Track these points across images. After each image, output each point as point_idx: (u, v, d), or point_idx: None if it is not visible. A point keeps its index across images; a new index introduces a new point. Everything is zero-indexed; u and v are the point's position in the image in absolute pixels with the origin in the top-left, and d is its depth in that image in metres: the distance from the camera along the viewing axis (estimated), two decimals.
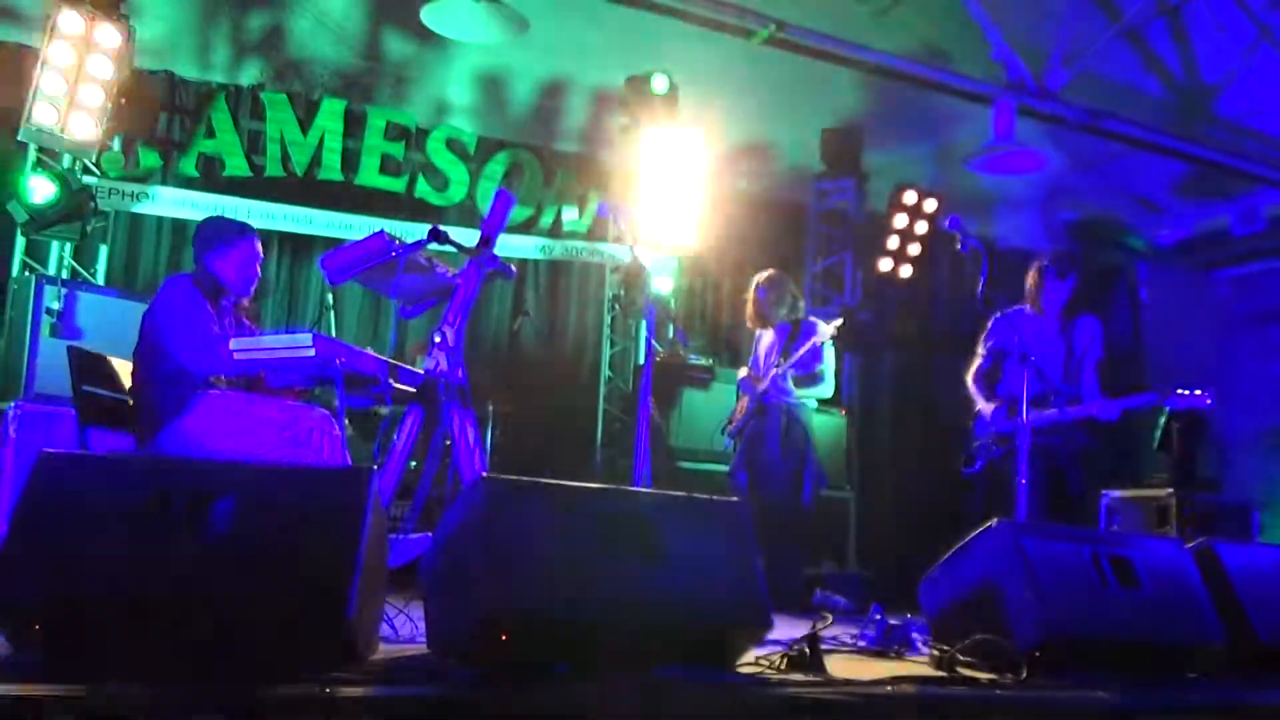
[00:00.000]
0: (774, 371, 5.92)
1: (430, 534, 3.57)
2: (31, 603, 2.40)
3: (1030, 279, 5.43)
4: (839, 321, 5.99)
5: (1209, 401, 4.92)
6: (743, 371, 6.26)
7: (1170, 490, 6.96)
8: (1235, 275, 9.96)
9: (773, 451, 5.86)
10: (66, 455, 2.61)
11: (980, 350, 5.55)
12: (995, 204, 9.16)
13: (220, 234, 4.20)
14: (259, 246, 4.28)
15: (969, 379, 5.59)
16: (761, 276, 6.23)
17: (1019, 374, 4.76)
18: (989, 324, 5.47)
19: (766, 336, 6.19)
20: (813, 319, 6.15)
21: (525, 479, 2.83)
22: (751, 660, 2.94)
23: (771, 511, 5.83)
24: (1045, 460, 5.10)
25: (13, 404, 5.44)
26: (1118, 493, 7.29)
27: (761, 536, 3.04)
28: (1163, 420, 7.27)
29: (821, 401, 6.33)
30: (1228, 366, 9.37)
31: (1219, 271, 10.03)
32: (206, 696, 2.07)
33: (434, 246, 4.08)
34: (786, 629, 3.12)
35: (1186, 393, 4.96)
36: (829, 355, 6.00)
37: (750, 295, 6.22)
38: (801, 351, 5.86)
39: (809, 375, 5.94)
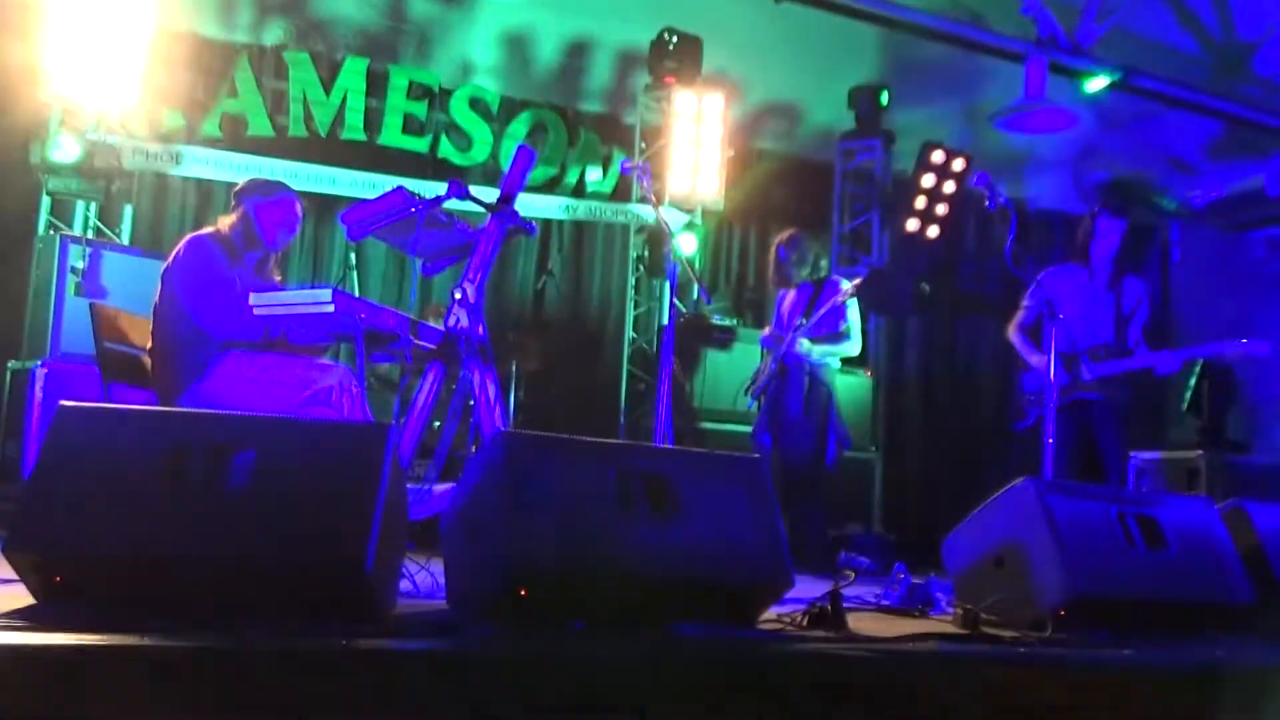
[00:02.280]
0: (796, 331, 5.88)
1: (455, 484, 3.57)
2: (52, 554, 2.40)
3: (1081, 230, 5.37)
4: (859, 279, 5.94)
5: (1268, 350, 4.93)
6: (766, 331, 6.23)
7: (1200, 452, 6.88)
8: (1270, 236, 9.80)
9: (795, 412, 5.82)
10: (86, 408, 2.60)
11: (1025, 303, 5.46)
12: (1024, 164, 9.05)
13: (267, 186, 4.27)
14: (299, 208, 4.31)
15: (1011, 332, 5.53)
16: (782, 236, 6.18)
17: (1064, 330, 4.72)
18: (1038, 276, 5.30)
19: (789, 296, 6.14)
20: (835, 277, 6.10)
21: (545, 434, 2.81)
22: (772, 618, 2.92)
23: (795, 472, 5.81)
24: (1087, 415, 5.11)
25: (39, 362, 5.47)
26: (1147, 454, 7.22)
27: (785, 497, 3.04)
28: (1193, 381, 7.19)
29: (847, 362, 6.27)
30: (1260, 328, 9.20)
31: (1253, 232, 9.87)
32: (224, 649, 2.07)
33: (454, 203, 4.06)
34: (809, 588, 3.10)
35: (1244, 341, 4.96)
36: (853, 313, 5.94)
37: (771, 255, 6.17)
38: (821, 311, 5.81)
39: (833, 334, 5.88)
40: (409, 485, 3.46)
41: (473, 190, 4.11)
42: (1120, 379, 5.21)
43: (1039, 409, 5.30)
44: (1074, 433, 5.18)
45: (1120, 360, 5.20)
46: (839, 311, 5.85)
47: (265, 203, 4.15)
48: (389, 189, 4.09)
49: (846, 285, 5.90)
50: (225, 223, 4.18)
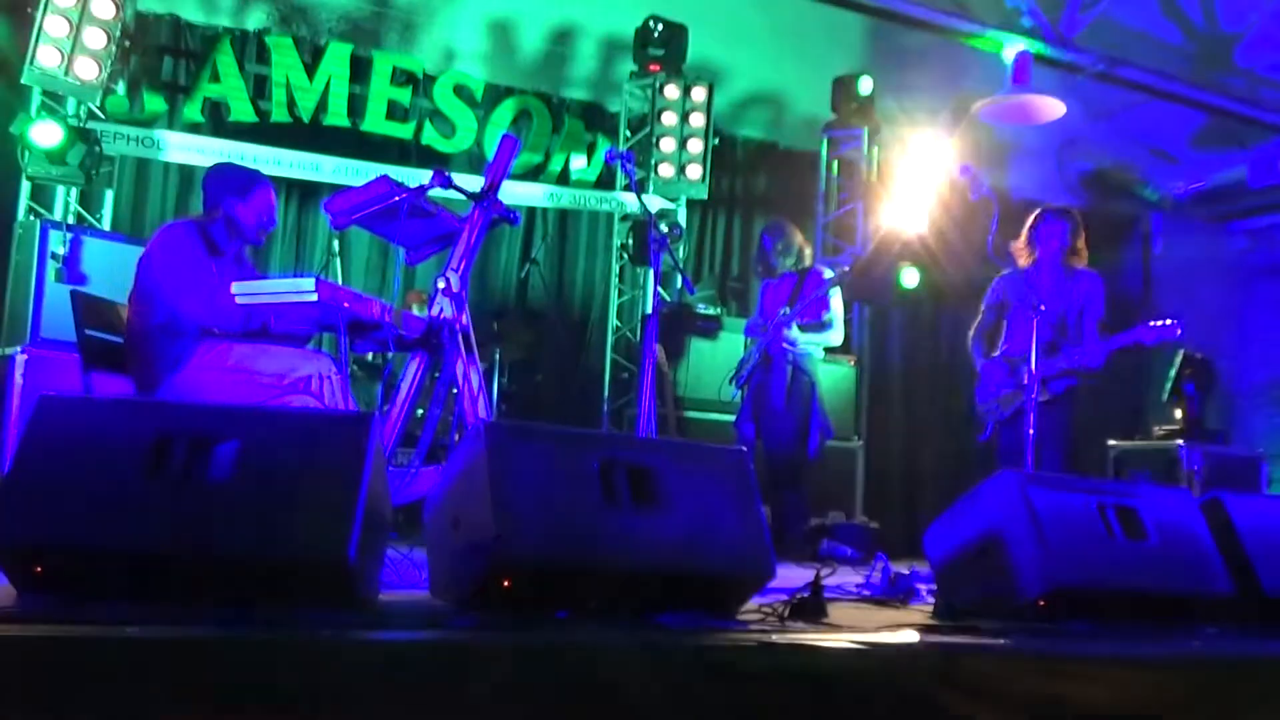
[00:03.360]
0: (780, 320, 5.89)
1: (439, 466, 3.57)
2: (32, 546, 2.39)
3: (1024, 232, 5.49)
4: (843, 269, 5.96)
5: (1179, 332, 4.95)
6: (750, 320, 6.25)
7: (1179, 442, 6.93)
8: (1251, 227, 9.85)
9: (778, 401, 5.85)
10: (67, 399, 2.60)
11: (982, 307, 5.61)
12: (1009, 154, 9.07)
13: (239, 180, 4.17)
14: (274, 195, 4.25)
15: (970, 338, 5.66)
16: (767, 225, 6.22)
17: (1023, 326, 4.78)
18: (992, 283, 5.54)
19: (773, 286, 6.15)
20: (819, 267, 6.12)
21: (528, 424, 2.81)
22: (754, 608, 2.94)
23: (778, 461, 5.83)
24: (1041, 412, 5.17)
25: (19, 349, 5.43)
26: (1126, 444, 7.27)
27: (768, 486, 3.05)
28: (1173, 372, 7.24)
29: (831, 351, 6.30)
30: (1241, 319, 9.30)
31: (1234, 223, 9.92)
32: (206, 640, 2.06)
33: (438, 191, 4.04)
34: (791, 578, 3.12)
35: (1157, 324, 5.00)
36: (836, 302, 5.97)
37: (755, 245, 6.21)
38: (806, 301, 5.83)
39: (816, 324, 5.91)
40: (393, 469, 3.46)
41: (456, 179, 4.10)
42: (1062, 378, 5.26)
43: (995, 419, 5.46)
44: (1016, 443, 5.13)
45: (1053, 360, 5.23)
46: (822, 301, 5.87)
47: (242, 203, 4.10)
48: (372, 176, 4.07)
49: (829, 274, 5.92)
50: (203, 217, 4.14)
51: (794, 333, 5.84)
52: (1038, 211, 5.47)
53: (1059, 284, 5.39)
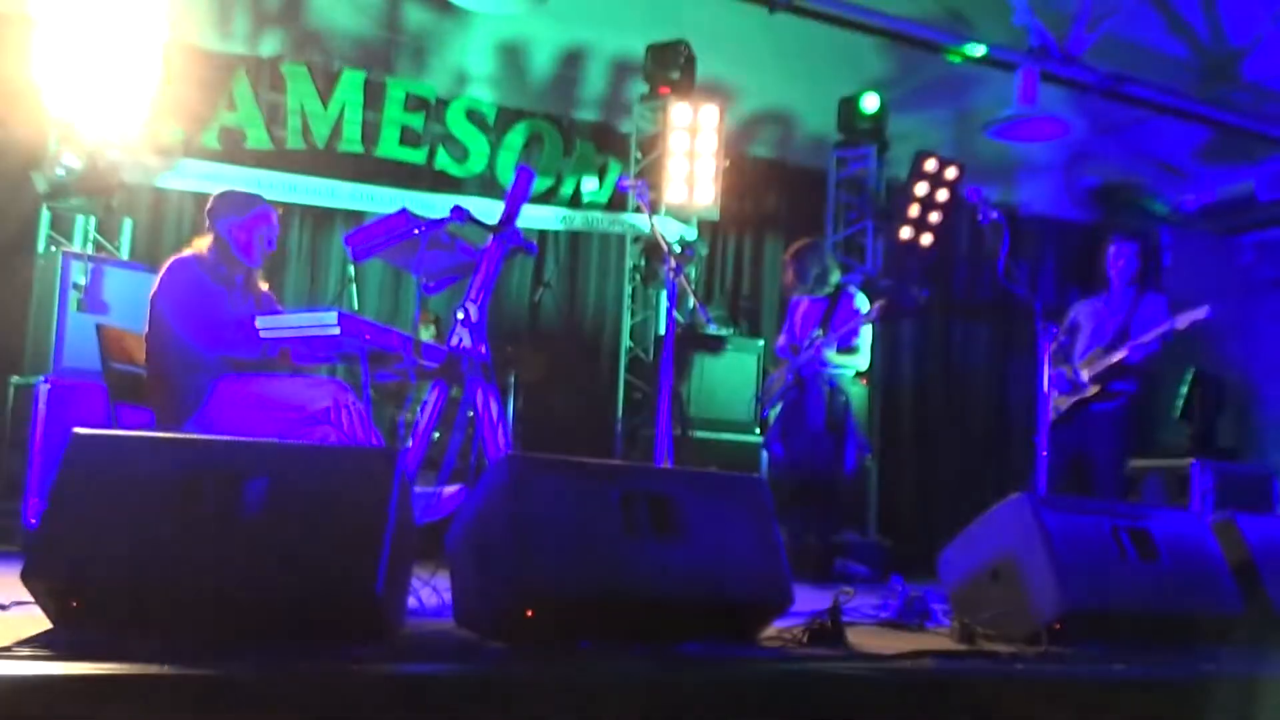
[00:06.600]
0: (815, 342, 5.93)
1: (463, 487, 3.62)
2: (69, 580, 2.45)
3: (1100, 256, 5.74)
4: (882, 301, 6.00)
5: (1209, 314, 5.22)
6: (780, 340, 6.28)
7: (1191, 459, 6.94)
8: (1260, 240, 9.87)
9: (817, 423, 5.89)
10: (100, 435, 2.65)
11: (1058, 330, 5.79)
12: (1017, 169, 9.12)
13: (234, 203, 4.21)
14: (275, 218, 4.27)
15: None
16: (795, 245, 6.27)
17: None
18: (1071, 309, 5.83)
19: (803, 306, 6.18)
20: (851, 289, 6.15)
21: (550, 456, 2.87)
22: (773, 633, 2.98)
23: (815, 481, 5.88)
24: (1084, 425, 5.39)
25: (41, 378, 5.50)
26: (1138, 462, 7.28)
27: (790, 505, 3.08)
28: (1184, 389, 7.25)
29: None
30: (1251, 333, 9.31)
31: (1243, 237, 9.94)
32: (236, 674, 2.11)
33: (456, 224, 4.10)
34: (808, 599, 3.16)
35: (1189, 312, 5.26)
36: (867, 330, 6.03)
37: (784, 264, 6.28)
38: (842, 329, 5.89)
39: (847, 349, 5.97)
40: (416, 490, 3.51)
41: (472, 204, 4.17)
42: (1121, 384, 5.39)
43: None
44: (1068, 442, 5.41)
45: (1107, 357, 5.42)
46: (856, 328, 5.94)
47: (239, 223, 4.13)
48: (386, 201, 4.13)
49: (866, 306, 5.97)
50: (203, 245, 4.14)
51: (828, 354, 5.90)
52: (1111, 234, 5.75)
53: (1128, 303, 5.58)
